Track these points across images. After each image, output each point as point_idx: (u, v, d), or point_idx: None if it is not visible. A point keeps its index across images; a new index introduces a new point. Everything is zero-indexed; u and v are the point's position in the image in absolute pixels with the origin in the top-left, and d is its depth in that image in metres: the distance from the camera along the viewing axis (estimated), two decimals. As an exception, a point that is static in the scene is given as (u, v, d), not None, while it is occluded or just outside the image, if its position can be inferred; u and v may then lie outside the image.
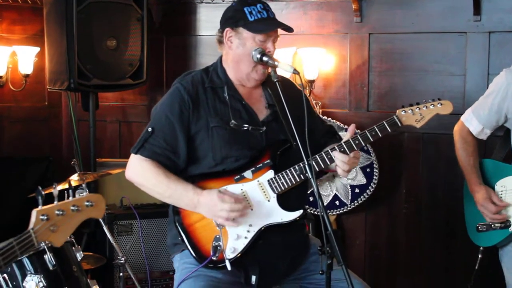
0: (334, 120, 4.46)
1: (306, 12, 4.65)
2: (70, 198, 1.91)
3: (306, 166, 2.49)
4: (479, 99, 3.31)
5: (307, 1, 4.65)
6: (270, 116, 2.81)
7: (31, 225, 1.88)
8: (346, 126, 4.41)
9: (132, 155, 2.76)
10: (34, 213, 1.88)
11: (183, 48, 5.10)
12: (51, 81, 4.56)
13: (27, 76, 4.84)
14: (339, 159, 2.68)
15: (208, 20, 4.99)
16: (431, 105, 2.78)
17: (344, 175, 2.78)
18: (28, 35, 5.04)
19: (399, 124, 2.75)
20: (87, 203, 1.95)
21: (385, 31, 4.47)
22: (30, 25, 5.06)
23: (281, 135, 2.76)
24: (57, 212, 1.90)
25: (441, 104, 2.78)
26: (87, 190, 2.03)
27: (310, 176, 2.47)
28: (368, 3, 4.48)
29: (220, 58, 2.86)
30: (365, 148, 4.34)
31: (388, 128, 2.73)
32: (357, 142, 2.69)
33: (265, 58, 2.66)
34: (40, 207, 1.88)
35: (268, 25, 2.73)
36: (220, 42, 2.82)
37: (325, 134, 2.99)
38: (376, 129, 2.72)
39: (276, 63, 2.64)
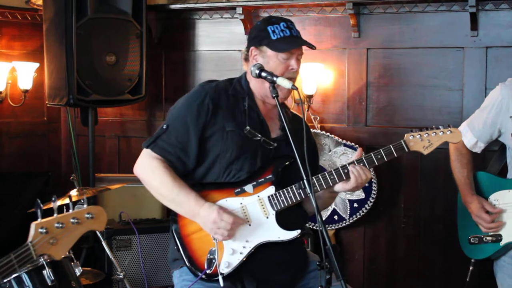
0: (333, 135, 4.47)
1: (304, 27, 4.67)
2: (70, 210, 1.90)
3: (305, 182, 2.48)
4: (475, 112, 3.31)
5: (305, 17, 4.67)
6: (282, 137, 2.81)
7: (29, 238, 1.87)
8: (344, 141, 4.43)
9: (144, 150, 2.77)
10: (32, 226, 1.87)
11: (182, 63, 5.12)
12: (50, 96, 4.57)
13: (26, 91, 4.86)
14: (355, 173, 2.67)
15: (206, 35, 5.01)
16: (440, 132, 2.70)
17: (355, 190, 2.75)
18: (28, 51, 5.07)
19: (406, 150, 2.72)
20: (88, 215, 1.94)
21: (383, 46, 4.49)
22: (29, 41, 5.09)
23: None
24: (56, 225, 1.89)
25: (451, 132, 2.71)
26: (87, 203, 2.02)
27: (309, 191, 2.45)
28: (366, 19, 4.50)
29: (245, 73, 2.89)
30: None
31: (395, 153, 2.72)
32: (361, 164, 2.69)
33: (263, 74, 2.67)
34: (39, 220, 1.87)
35: (290, 44, 2.75)
36: (246, 59, 2.86)
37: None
38: (383, 153, 2.71)
39: (274, 78, 2.65)
